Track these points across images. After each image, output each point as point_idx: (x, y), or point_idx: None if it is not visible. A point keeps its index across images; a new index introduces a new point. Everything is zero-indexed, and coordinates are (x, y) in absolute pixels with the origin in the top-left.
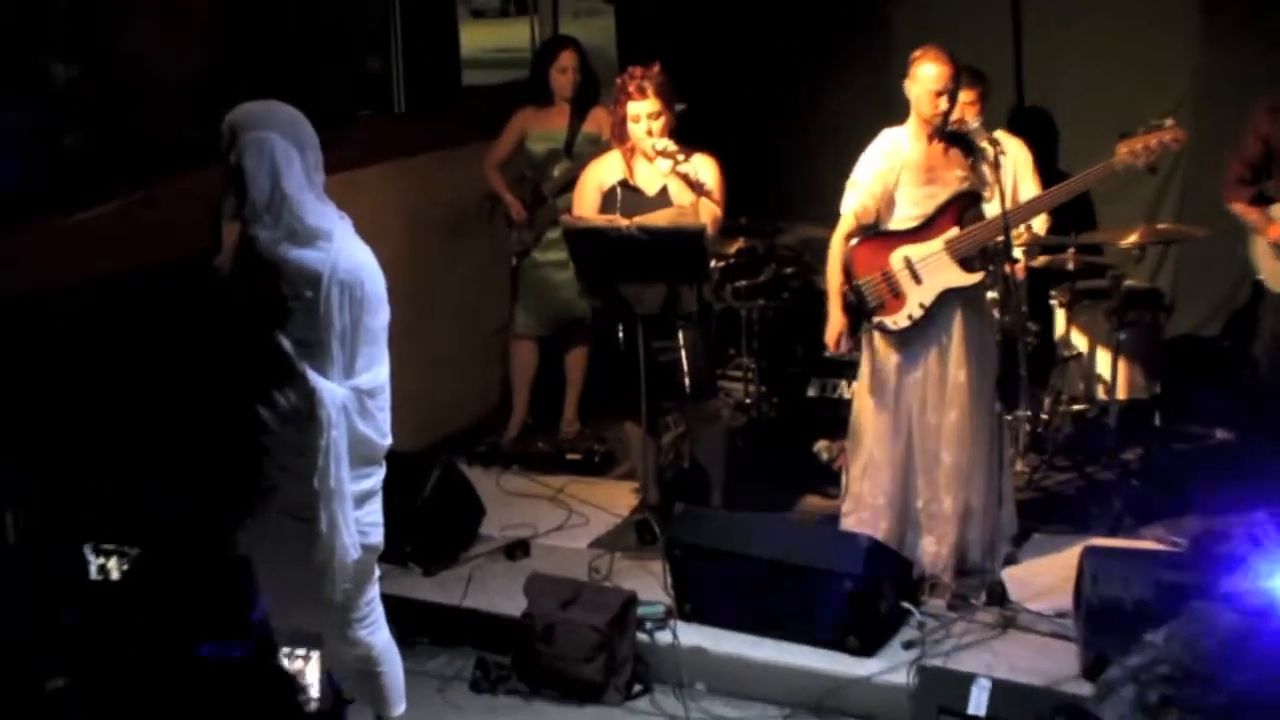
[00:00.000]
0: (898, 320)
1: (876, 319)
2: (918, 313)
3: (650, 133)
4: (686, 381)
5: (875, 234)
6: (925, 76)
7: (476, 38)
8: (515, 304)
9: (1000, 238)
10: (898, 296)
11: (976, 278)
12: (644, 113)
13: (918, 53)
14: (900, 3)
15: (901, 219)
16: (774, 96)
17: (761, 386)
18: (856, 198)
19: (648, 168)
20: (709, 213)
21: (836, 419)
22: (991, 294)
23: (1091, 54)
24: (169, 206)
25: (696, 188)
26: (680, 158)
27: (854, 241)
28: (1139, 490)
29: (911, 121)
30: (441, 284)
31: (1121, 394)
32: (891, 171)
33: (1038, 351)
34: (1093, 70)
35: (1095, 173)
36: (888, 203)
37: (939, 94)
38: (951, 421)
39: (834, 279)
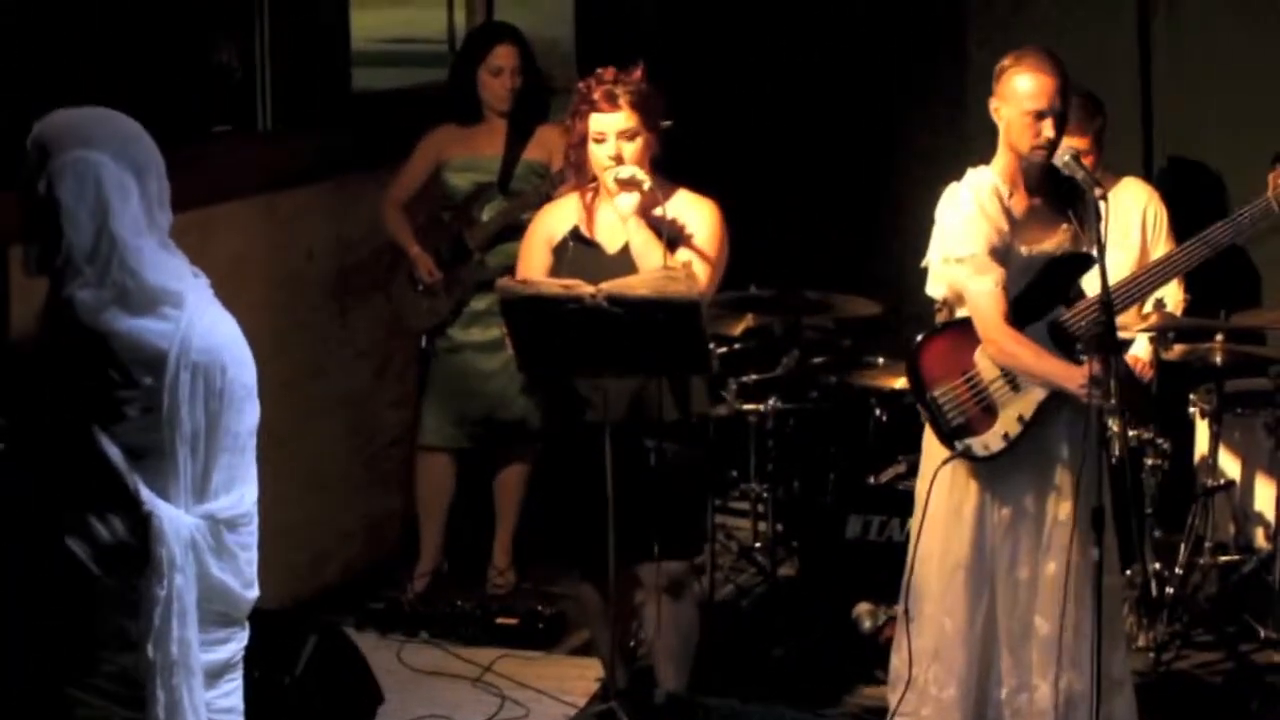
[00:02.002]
0: (989, 442)
1: (961, 442)
2: (1015, 430)
3: (618, 159)
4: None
5: (953, 324)
6: (1020, 92)
7: (373, 23)
8: (424, 401)
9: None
10: (988, 410)
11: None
12: (612, 130)
13: (1008, 60)
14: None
15: None
16: (802, 119)
17: (777, 525)
18: (995, 272)
19: (612, 216)
20: (697, 272)
21: (884, 572)
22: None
23: (1238, 83)
24: None
25: (669, 238)
26: (646, 188)
27: (921, 338)
28: None
29: (1001, 161)
30: (323, 371)
31: None
32: (1002, 236)
33: (1169, 480)
34: (1240, 103)
35: (1245, 217)
36: None
37: (1041, 115)
38: (1050, 576)
39: (1046, 362)
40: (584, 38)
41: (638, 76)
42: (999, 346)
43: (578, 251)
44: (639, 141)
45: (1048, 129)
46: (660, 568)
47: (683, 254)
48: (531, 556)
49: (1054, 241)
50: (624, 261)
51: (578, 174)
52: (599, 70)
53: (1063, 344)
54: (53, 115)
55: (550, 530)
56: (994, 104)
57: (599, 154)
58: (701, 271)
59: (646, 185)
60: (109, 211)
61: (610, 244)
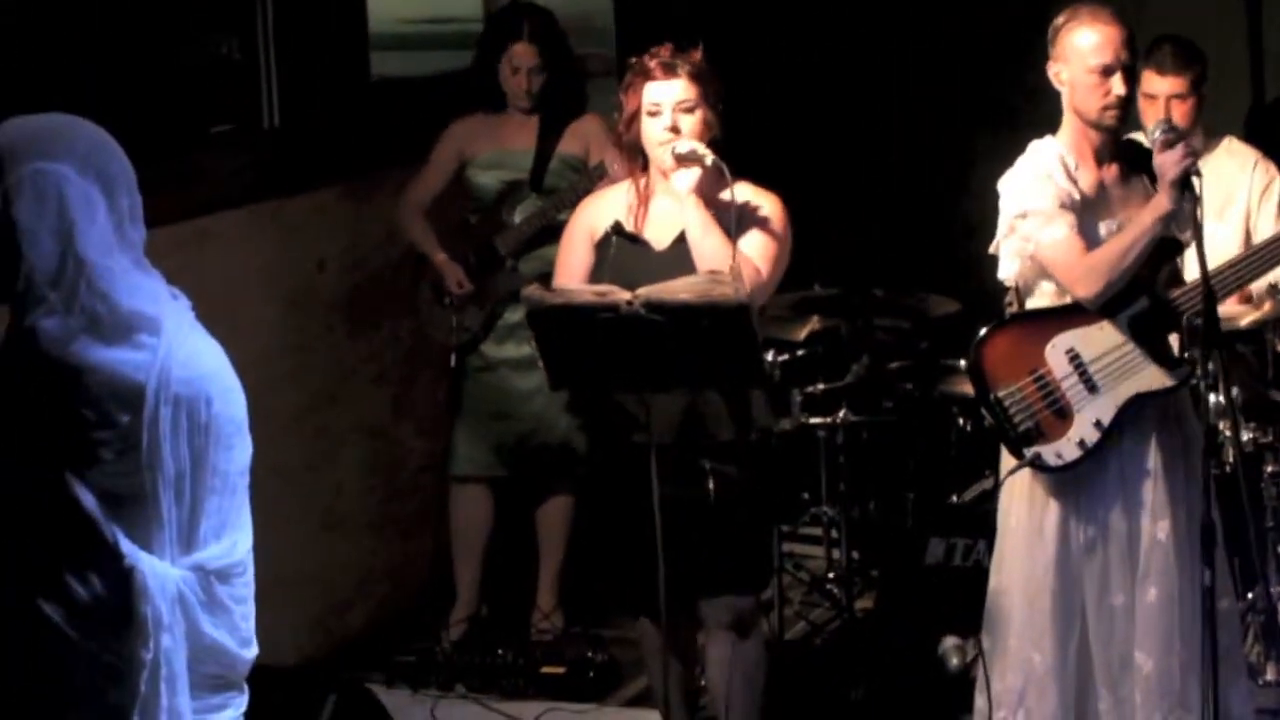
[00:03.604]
0: (1062, 450)
1: (1030, 450)
2: (1093, 437)
3: (675, 131)
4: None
5: (1020, 316)
6: (1082, 48)
7: (397, 2)
8: (456, 426)
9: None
10: (1061, 414)
11: (1179, 377)
12: (669, 101)
13: (1062, 17)
14: None
15: (1060, 288)
16: (869, 105)
17: (852, 552)
18: (1063, 217)
19: (667, 207)
20: (747, 271)
21: (972, 601)
22: (1212, 396)
23: None
24: None
25: (733, 223)
26: (708, 162)
27: (984, 332)
28: None
29: (1067, 131)
30: (339, 396)
31: None
32: (1068, 187)
33: None
34: None
35: None
36: (1040, 265)
37: (1109, 71)
38: (1150, 604)
39: (1121, 238)
40: (624, 13)
41: (697, 52)
42: (1087, 274)
43: (621, 248)
44: (698, 116)
45: (1118, 85)
46: (723, 604)
47: (746, 242)
48: (580, 597)
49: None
50: (675, 259)
51: (629, 156)
52: (655, 49)
53: (1148, 341)
54: (7, 124)
55: (600, 567)
56: (1053, 69)
57: (653, 129)
58: (764, 262)
59: (709, 160)
60: (74, 230)
61: (660, 239)
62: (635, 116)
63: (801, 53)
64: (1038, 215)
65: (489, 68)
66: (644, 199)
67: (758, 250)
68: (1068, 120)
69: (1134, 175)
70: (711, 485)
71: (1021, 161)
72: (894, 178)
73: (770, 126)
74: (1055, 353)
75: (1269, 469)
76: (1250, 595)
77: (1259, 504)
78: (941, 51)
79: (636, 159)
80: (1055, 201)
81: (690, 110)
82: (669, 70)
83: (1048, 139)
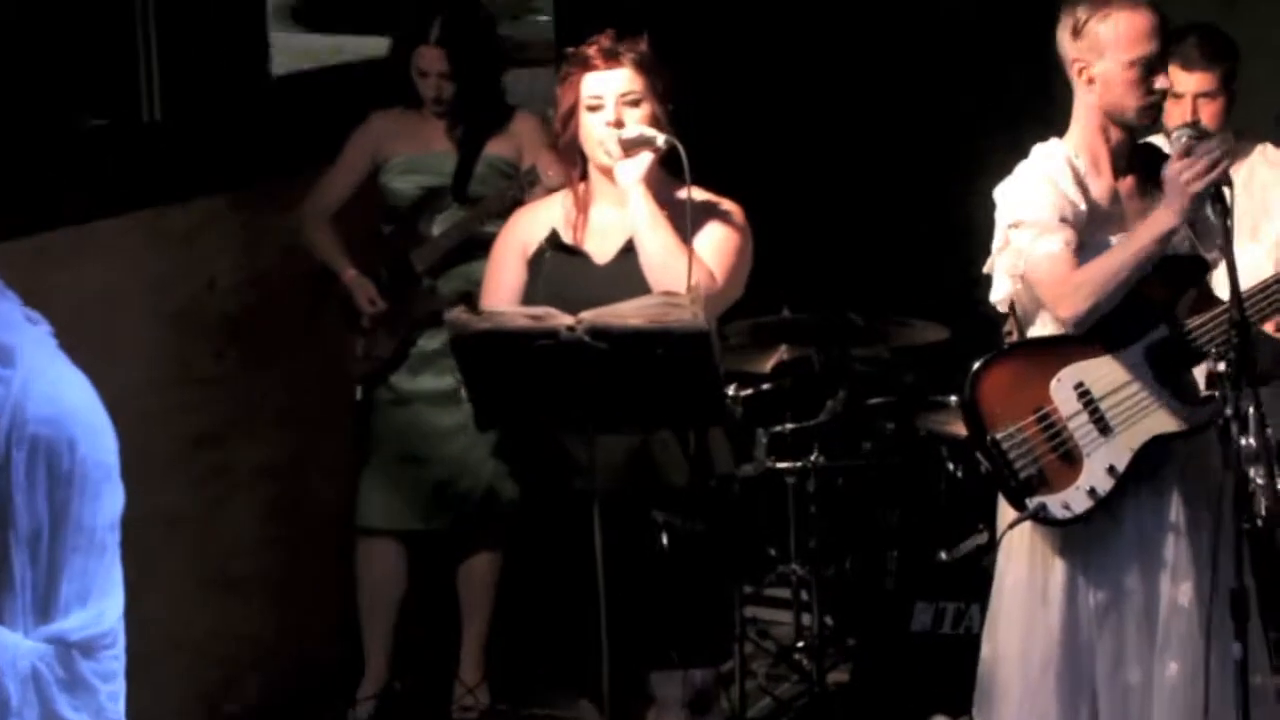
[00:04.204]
0: (1071, 500)
1: (1034, 500)
2: (1105, 485)
3: (618, 126)
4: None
5: (1021, 346)
6: (1122, 38)
7: None
8: (364, 471)
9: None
10: (1068, 458)
11: (1204, 415)
12: (612, 92)
13: (1083, 9)
14: None
15: None
16: (846, 111)
17: (825, 618)
18: (1060, 231)
19: (609, 216)
20: (699, 274)
21: (964, 675)
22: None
23: None
24: None
25: (688, 218)
26: (661, 139)
27: (980, 365)
28: None
29: (1079, 133)
30: (231, 434)
31: None
32: (1075, 196)
33: None
34: None
35: None
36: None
37: (1151, 65)
38: (1171, 680)
39: (1119, 252)
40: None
41: (641, 40)
42: (1073, 293)
43: (557, 263)
44: (645, 110)
45: (1162, 80)
46: (676, 677)
47: (700, 244)
48: (509, 669)
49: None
50: (620, 274)
51: (566, 159)
52: (596, 36)
53: (1167, 372)
54: None
55: (533, 634)
56: (1077, 65)
57: (593, 124)
58: (719, 269)
59: (660, 140)
60: None
61: (603, 251)
62: (573, 112)
63: (767, 47)
64: (1033, 226)
65: (403, 59)
66: (583, 207)
67: (713, 254)
68: (1084, 121)
69: (1154, 186)
70: (664, 539)
71: (1023, 166)
72: (874, 188)
73: (731, 130)
74: (1062, 388)
75: None
76: None
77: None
78: (930, 52)
79: (575, 162)
80: (1055, 212)
81: (636, 103)
82: (611, 58)
83: (1054, 142)
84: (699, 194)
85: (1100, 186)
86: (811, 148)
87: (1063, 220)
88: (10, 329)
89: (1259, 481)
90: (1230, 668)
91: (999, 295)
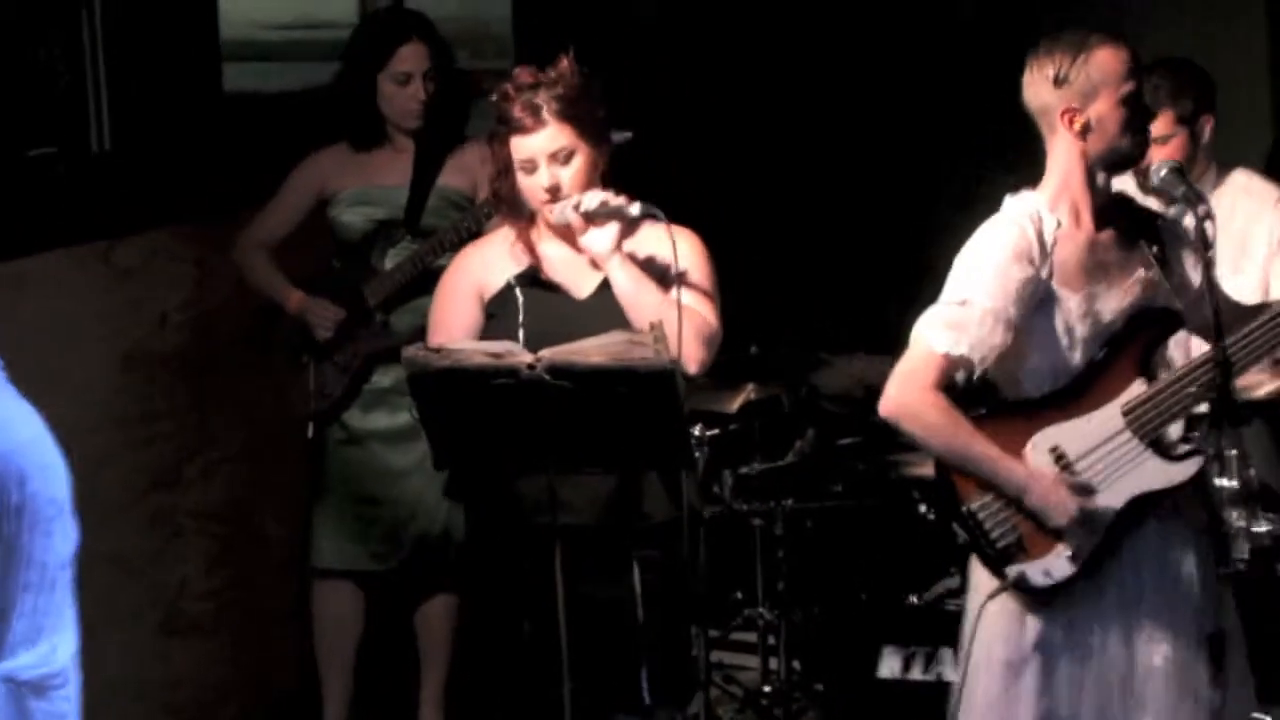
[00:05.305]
0: (1051, 567)
1: (1013, 569)
2: (1086, 549)
3: (555, 189)
4: (644, 675)
5: (996, 409)
6: (1110, 74)
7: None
8: (316, 511)
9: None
10: (1045, 527)
11: (1188, 470)
12: (541, 153)
13: (1066, 50)
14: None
15: (1037, 374)
16: (813, 140)
17: (793, 662)
18: (974, 337)
19: (563, 249)
20: (693, 326)
21: (934, 718)
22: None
23: None
24: None
25: (659, 273)
26: (632, 209)
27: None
28: None
29: (1063, 186)
30: (184, 474)
31: None
32: (1033, 284)
33: None
34: None
35: None
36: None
37: (1139, 97)
38: None
39: (973, 441)
40: (523, 20)
41: (564, 70)
42: (916, 403)
43: (534, 299)
44: (579, 161)
45: (1148, 115)
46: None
47: (684, 294)
48: (470, 716)
49: (1126, 291)
50: (600, 309)
51: (512, 211)
52: (515, 72)
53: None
54: None
55: (494, 680)
56: (1066, 115)
57: (531, 186)
58: (709, 312)
59: (634, 211)
60: None
61: (575, 286)
62: (508, 170)
63: (735, 78)
64: (967, 313)
65: (362, 85)
66: (531, 246)
67: (697, 300)
68: (1068, 171)
69: (1135, 238)
70: (637, 579)
71: (988, 232)
72: (844, 221)
73: (692, 158)
74: (1037, 454)
75: None
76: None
77: (1276, 609)
78: (904, 82)
79: (521, 210)
80: (1005, 300)
81: (567, 159)
82: (534, 115)
83: (1029, 196)
84: (656, 231)
85: (1080, 239)
86: (780, 184)
87: (1016, 302)
88: None
89: (1239, 525)
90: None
91: (941, 348)
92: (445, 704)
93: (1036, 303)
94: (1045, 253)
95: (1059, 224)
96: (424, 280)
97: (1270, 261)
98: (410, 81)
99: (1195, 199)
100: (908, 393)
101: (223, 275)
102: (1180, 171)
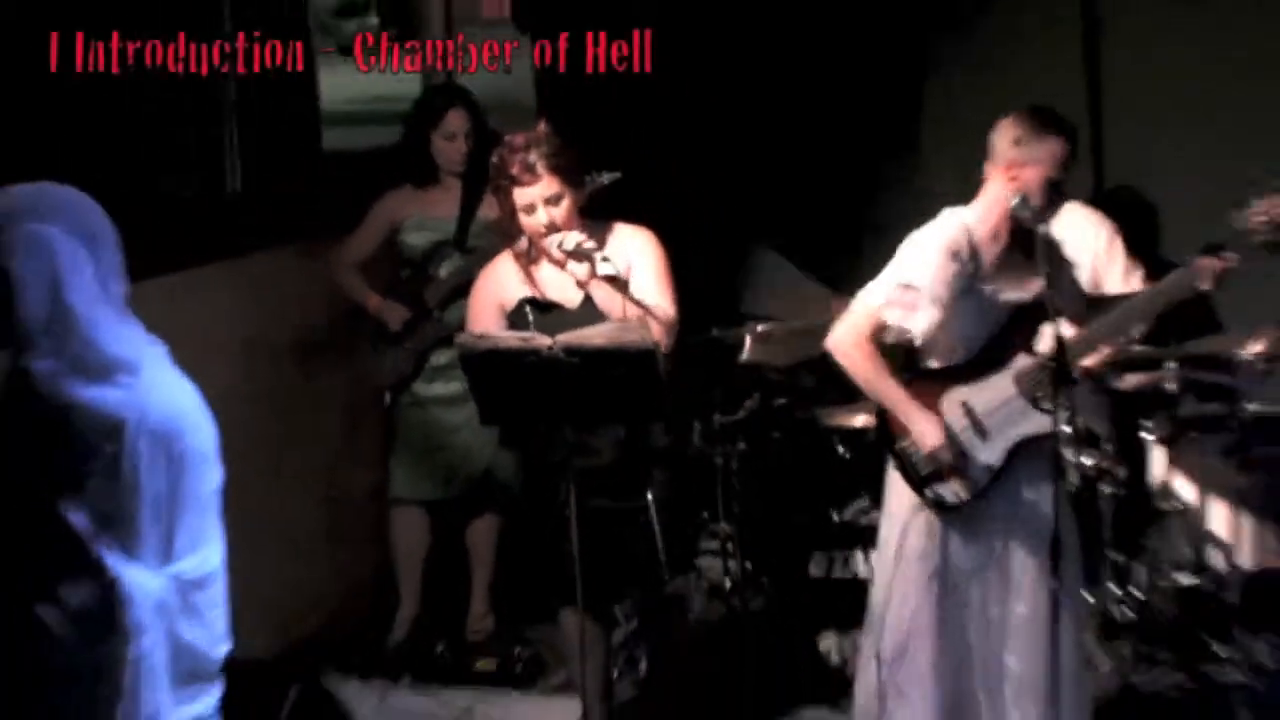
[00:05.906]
0: (959, 490)
1: (933, 490)
2: (984, 479)
3: (553, 225)
4: (662, 558)
5: (919, 374)
6: (1049, 159)
7: (346, 84)
8: (393, 456)
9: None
10: (958, 458)
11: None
12: (538, 199)
13: (1020, 119)
14: (945, 54)
15: (955, 347)
16: (756, 124)
17: (746, 563)
18: (919, 315)
19: (553, 270)
20: (660, 316)
21: (850, 605)
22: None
23: (1190, 122)
24: None
25: (624, 280)
26: (599, 256)
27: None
28: (1274, 695)
29: (989, 211)
30: (294, 431)
31: (1247, 561)
32: (960, 280)
33: (1126, 505)
34: (1191, 141)
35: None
36: (941, 325)
37: (1061, 179)
38: (1019, 616)
39: (883, 380)
40: (544, 95)
41: (543, 133)
42: (854, 350)
43: (540, 316)
44: (565, 202)
45: (1061, 196)
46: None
47: (645, 289)
48: (509, 602)
49: (1022, 289)
50: (588, 317)
51: (516, 243)
52: (508, 139)
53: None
54: (2, 191)
55: (529, 573)
56: (1011, 169)
57: (533, 224)
58: (669, 303)
59: (589, 246)
60: (62, 282)
61: (566, 299)
62: (513, 215)
63: (693, 76)
64: (916, 294)
65: (420, 141)
66: (529, 272)
67: (658, 293)
68: (995, 204)
69: (1030, 251)
70: (650, 495)
71: (931, 232)
72: (784, 208)
73: (660, 172)
74: (951, 405)
75: (1106, 490)
76: (1091, 597)
77: (1097, 519)
78: (843, 71)
79: (522, 244)
80: (941, 288)
81: (557, 202)
82: (531, 172)
83: (960, 213)
84: (623, 231)
85: (993, 252)
86: (727, 165)
87: (943, 289)
88: (136, 348)
89: (1071, 458)
90: (1067, 604)
91: (878, 308)
92: (490, 596)
93: (960, 292)
94: (972, 255)
95: (981, 235)
96: (469, 285)
97: (1096, 273)
98: (456, 138)
99: (1037, 218)
100: (848, 337)
101: (323, 284)
102: (1025, 200)
